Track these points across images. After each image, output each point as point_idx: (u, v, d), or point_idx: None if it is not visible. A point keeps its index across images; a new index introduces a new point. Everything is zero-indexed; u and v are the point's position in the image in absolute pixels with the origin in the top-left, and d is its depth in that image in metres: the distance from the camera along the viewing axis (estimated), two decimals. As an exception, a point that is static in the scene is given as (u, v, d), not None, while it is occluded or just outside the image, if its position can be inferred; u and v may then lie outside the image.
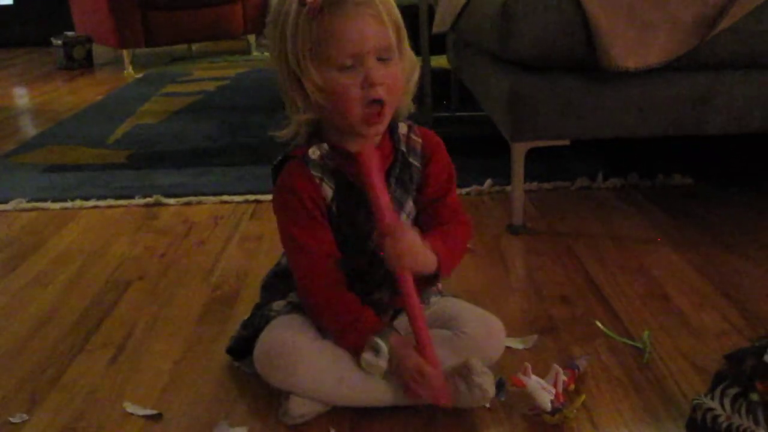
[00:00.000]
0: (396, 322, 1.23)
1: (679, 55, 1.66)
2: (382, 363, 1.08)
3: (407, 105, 1.18)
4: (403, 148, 1.18)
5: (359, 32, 1.05)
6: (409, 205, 1.20)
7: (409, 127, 1.20)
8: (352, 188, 1.14)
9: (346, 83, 1.06)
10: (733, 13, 1.63)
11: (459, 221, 1.23)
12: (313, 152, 1.14)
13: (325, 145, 1.14)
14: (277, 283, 1.28)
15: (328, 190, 1.14)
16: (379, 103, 1.07)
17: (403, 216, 1.19)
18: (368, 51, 1.06)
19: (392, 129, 1.18)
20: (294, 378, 1.10)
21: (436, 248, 1.11)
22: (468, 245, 1.66)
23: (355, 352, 1.11)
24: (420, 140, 1.20)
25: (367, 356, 1.08)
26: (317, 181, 1.13)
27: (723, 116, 1.74)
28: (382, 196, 1.09)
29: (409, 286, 1.09)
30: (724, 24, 1.64)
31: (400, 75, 1.11)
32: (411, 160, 1.19)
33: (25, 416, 1.16)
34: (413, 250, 1.08)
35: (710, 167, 2.24)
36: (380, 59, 1.07)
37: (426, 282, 1.15)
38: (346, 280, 1.16)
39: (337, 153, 1.14)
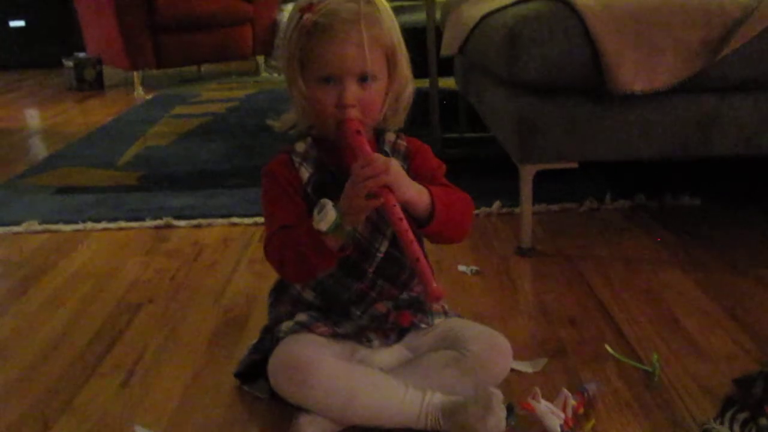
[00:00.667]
0: (405, 340, 1.25)
1: (686, 78, 1.67)
2: (329, 211, 1.08)
3: (398, 121, 1.24)
4: (387, 149, 1.23)
5: (340, 56, 1.12)
6: None
7: (397, 135, 1.26)
8: (330, 174, 1.20)
9: (322, 97, 1.14)
10: (738, 36, 1.64)
11: (457, 191, 1.24)
12: (299, 146, 1.23)
13: (309, 139, 1.23)
14: (283, 296, 1.30)
15: (304, 173, 1.21)
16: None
17: None
18: (346, 73, 1.13)
19: (378, 134, 1.24)
20: (307, 392, 1.11)
21: (428, 186, 1.14)
22: (474, 267, 1.68)
23: (328, 254, 1.11)
24: (405, 143, 1.26)
25: (315, 217, 1.08)
26: (296, 165, 1.21)
27: (730, 138, 1.75)
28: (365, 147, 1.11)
29: (397, 211, 1.08)
30: (730, 47, 1.65)
31: (379, 96, 1.17)
32: (395, 158, 1.21)
33: (38, 440, 1.17)
34: (395, 169, 1.09)
35: (719, 188, 2.24)
36: (360, 80, 1.13)
37: (420, 224, 1.15)
38: (339, 289, 1.21)
39: (319, 144, 1.21)
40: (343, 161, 1.17)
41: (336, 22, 1.11)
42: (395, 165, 1.10)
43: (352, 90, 1.13)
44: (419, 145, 1.27)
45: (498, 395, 1.08)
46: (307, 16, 1.12)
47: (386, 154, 1.21)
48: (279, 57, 1.20)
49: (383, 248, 1.21)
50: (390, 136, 1.25)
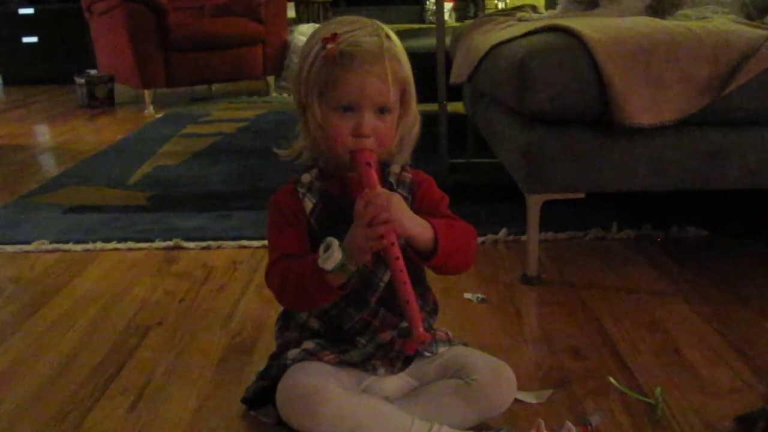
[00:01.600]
0: (410, 369, 1.26)
1: (693, 112, 1.69)
2: (335, 252, 1.09)
3: (405, 156, 1.27)
4: (392, 180, 1.26)
5: (361, 87, 1.15)
6: None
7: (402, 168, 1.28)
8: (334, 203, 1.22)
9: (339, 125, 1.17)
10: (745, 72, 1.66)
11: (461, 221, 1.26)
12: (305, 177, 1.25)
13: (315, 170, 1.25)
14: (290, 323, 1.32)
15: (308, 203, 1.23)
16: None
17: None
18: (366, 104, 1.15)
19: (383, 167, 1.26)
20: (315, 421, 1.13)
21: (430, 220, 1.16)
22: (480, 295, 1.70)
23: (329, 290, 1.13)
24: (410, 175, 1.28)
25: (321, 256, 1.10)
26: (300, 196, 1.23)
27: (736, 171, 1.77)
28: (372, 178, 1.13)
29: (395, 250, 1.10)
30: (737, 82, 1.67)
31: (393, 128, 1.20)
32: (398, 190, 1.25)
33: (47, 462, 1.19)
34: (397, 205, 1.11)
35: (725, 219, 2.26)
36: (378, 111, 1.17)
37: (424, 257, 1.16)
38: (342, 318, 1.23)
39: (326, 175, 1.24)
40: (349, 192, 1.20)
41: (361, 53, 1.14)
42: (397, 200, 1.12)
43: (370, 120, 1.16)
44: (424, 177, 1.30)
45: None
46: (330, 46, 1.15)
47: (391, 186, 1.24)
48: (293, 84, 1.22)
49: (386, 278, 1.23)
50: (395, 168, 1.27)
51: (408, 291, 1.09)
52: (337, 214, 1.21)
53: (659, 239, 2.11)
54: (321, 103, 1.18)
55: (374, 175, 1.14)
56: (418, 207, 1.24)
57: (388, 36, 1.18)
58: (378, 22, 1.21)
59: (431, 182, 1.30)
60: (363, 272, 1.22)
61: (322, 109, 1.18)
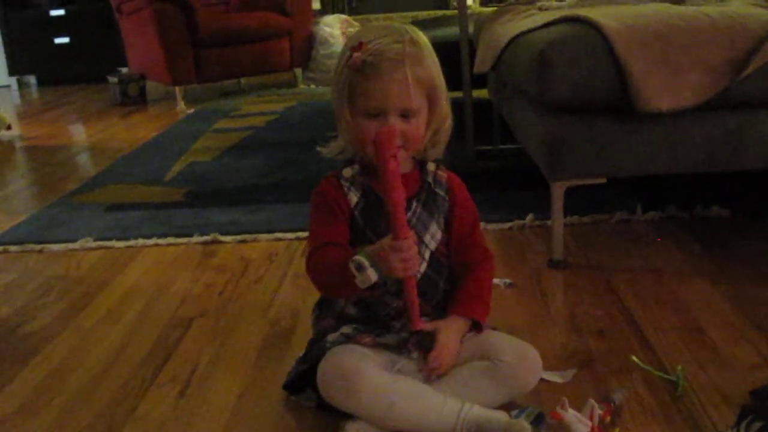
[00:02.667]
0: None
1: (711, 97, 1.73)
2: (369, 273, 1.18)
3: (437, 152, 1.35)
4: (430, 180, 1.35)
5: (385, 94, 1.23)
6: (433, 228, 1.34)
7: (437, 166, 1.37)
8: (378, 199, 1.30)
9: (367, 129, 1.24)
10: (761, 55, 1.70)
11: (486, 257, 1.41)
12: (347, 172, 1.33)
13: (357, 165, 1.33)
14: (327, 311, 1.39)
15: (353, 198, 1.31)
16: None
17: (427, 237, 1.33)
18: (390, 110, 1.23)
19: (421, 165, 1.35)
20: (353, 399, 1.20)
21: (475, 314, 1.35)
22: (507, 280, 1.77)
23: (359, 290, 1.22)
24: (445, 175, 1.37)
25: (357, 277, 1.18)
26: (345, 189, 1.31)
27: (756, 152, 1.80)
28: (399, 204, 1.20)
29: (413, 286, 1.24)
30: (754, 66, 1.70)
31: (419, 129, 1.27)
32: (436, 189, 1.35)
33: (105, 447, 1.27)
34: (448, 352, 1.29)
35: (748, 199, 2.29)
36: (402, 115, 1.24)
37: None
38: (379, 305, 1.32)
39: (366, 170, 1.32)
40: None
41: (382, 62, 1.21)
42: (447, 355, 1.29)
43: (395, 124, 1.23)
44: (458, 185, 1.39)
45: (528, 430, 1.16)
46: (356, 55, 1.22)
47: (428, 185, 1.34)
48: (331, 89, 1.31)
49: (422, 269, 1.31)
50: (431, 167, 1.36)
51: (413, 297, 1.24)
52: (380, 209, 1.28)
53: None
54: (350, 109, 1.26)
55: (398, 179, 1.20)
56: (452, 225, 1.35)
57: (413, 41, 1.24)
58: (408, 26, 1.28)
59: (464, 190, 1.39)
60: None
61: (352, 114, 1.26)
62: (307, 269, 1.31)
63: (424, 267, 1.31)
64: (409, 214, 1.31)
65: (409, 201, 1.31)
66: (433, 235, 1.34)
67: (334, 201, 1.31)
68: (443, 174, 1.37)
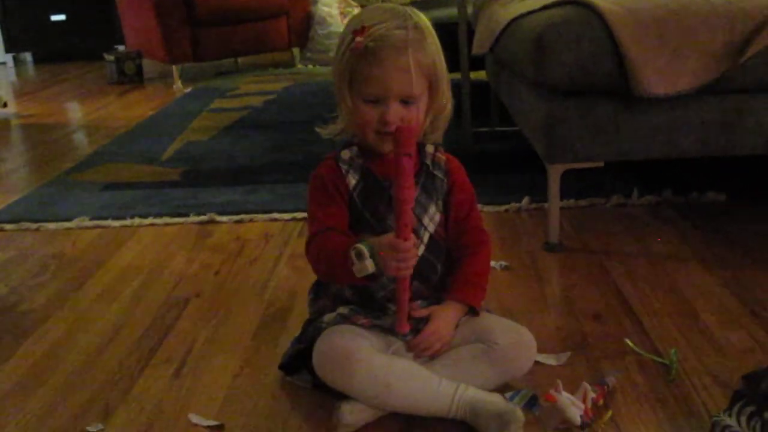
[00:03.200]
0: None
1: (709, 81, 1.73)
2: (367, 263, 1.17)
3: (437, 137, 1.35)
4: (428, 162, 1.34)
5: (386, 81, 1.22)
6: (432, 210, 1.34)
7: (436, 148, 1.37)
8: (376, 181, 1.30)
9: (366, 115, 1.25)
10: (759, 40, 1.70)
11: (482, 240, 1.40)
12: (345, 154, 1.33)
13: (355, 148, 1.32)
14: (323, 292, 1.39)
15: (351, 180, 1.31)
16: (389, 134, 1.23)
17: (426, 219, 1.33)
18: (390, 96, 1.22)
19: (420, 147, 1.34)
20: (348, 379, 1.21)
21: (471, 300, 1.35)
22: (503, 262, 1.77)
23: (356, 279, 1.21)
24: (444, 157, 1.37)
25: (355, 264, 1.18)
26: (343, 171, 1.31)
27: (752, 138, 1.81)
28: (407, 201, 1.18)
29: (407, 280, 1.22)
30: (752, 51, 1.70)
31: (420, 114, 1.26)
32: (435, 172, 1.35)
33: (101, 426, 1.28)
34: (442, 334, 1.30)
35: (744, 184, 2.30)
36: (403, 102, 1.23)
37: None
38: (376, 287, 1.31)
39: (365, 152, 1.31)
40: (388, 170, 1.26)
41: (384, 48, 1.20)
42: (437, 340, 1.29)
43: (396, 110, 1.23)
44: (457, 165, 1.38)
45: (519, 417, 1.16)
46: (358, 39, 1.21)
47: (427, 167, 1.33)
48: (332, 71, 1.30)
49: (420, 251, 1.31)
50: (429, 149, 1.36)
51: (404, 300, 1.23)
52: (378, 191, 1.29)
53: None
54: (351, 93, 1.25)
55: (411, 178, 1.18)
56: (449, 208, 1.35)
57: (416, 26, 1.23)
58: (411, 9, 1.26)
59: (463, 173, 1.38)
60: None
61: (352, 98, 1.25)
62: (307, 254, 1.31)
63: (422, 250, 1.31)
64: None
65: None
66: (432, 218, 1.34)
67: (332, 183, 1.31)
68: (442, 156, 1.36)
